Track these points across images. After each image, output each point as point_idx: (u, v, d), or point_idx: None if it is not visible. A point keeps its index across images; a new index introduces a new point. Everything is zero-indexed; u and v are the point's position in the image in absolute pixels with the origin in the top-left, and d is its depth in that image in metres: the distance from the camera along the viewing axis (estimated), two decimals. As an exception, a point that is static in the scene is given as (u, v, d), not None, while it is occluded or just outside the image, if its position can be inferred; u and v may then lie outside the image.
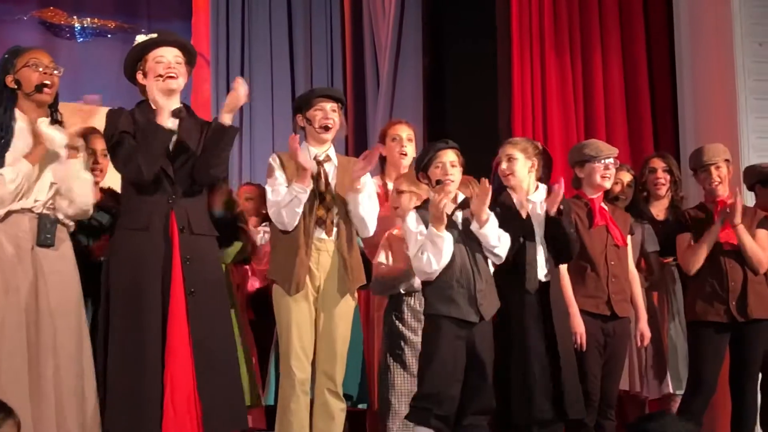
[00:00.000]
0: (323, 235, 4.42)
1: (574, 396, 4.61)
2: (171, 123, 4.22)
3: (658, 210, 5.70)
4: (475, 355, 4.38)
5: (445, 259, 4.34)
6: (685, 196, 5.84)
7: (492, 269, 4.53)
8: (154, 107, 4.21)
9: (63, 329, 4.00)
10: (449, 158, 4.45)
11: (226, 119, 4.21)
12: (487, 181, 4.41)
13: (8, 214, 3.98)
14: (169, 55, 4.27)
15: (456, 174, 4.46)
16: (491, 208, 4.46)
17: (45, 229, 4.02)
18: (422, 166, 4.50)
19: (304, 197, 4.34)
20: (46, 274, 4.00)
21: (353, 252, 4.49)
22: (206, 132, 4.26)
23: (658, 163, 5.74)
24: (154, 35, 4.33)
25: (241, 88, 4.23)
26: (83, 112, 7.30)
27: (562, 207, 4.61)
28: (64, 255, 4.10)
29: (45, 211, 4.04)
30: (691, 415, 5.04)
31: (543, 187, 4.76)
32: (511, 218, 4.61)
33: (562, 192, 4.57)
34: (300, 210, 4.35)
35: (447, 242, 4.33)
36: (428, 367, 4.38)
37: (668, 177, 5.70)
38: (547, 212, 4.60)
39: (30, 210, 4.02)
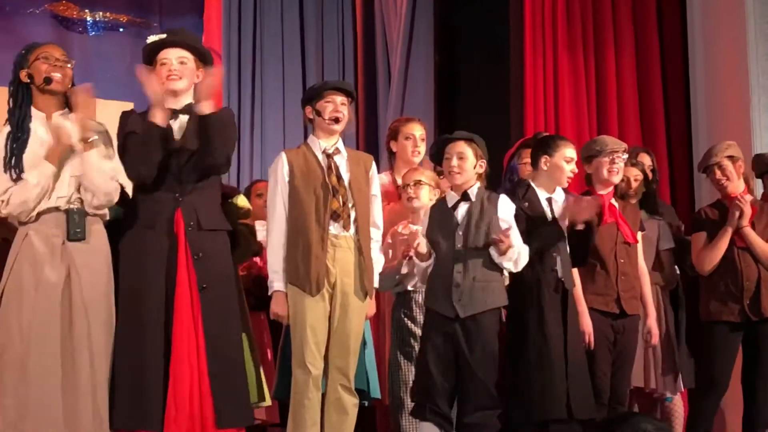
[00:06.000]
0: (341, 231, 4.39)
1: (584, 396, 4.56)
2: (178, 122, 4.22)
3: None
4: (461, 352, 4.34)
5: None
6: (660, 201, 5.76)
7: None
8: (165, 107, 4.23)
9: (95, 323, 4.03)
10: (456, 150, 4.48)
11: (204, 108, 4.17)
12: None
13: (38, 215, 4.02)
14: (173, 56, 4.26)
15: (463, 165, 4.46)
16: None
17: (74, 224, 4.04)
18: (436, 158, 4.59)
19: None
20: (79, 268, 4.02)
21: (368, 249, 4.46)
22: None
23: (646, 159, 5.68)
24: (163, 36, 4.31)
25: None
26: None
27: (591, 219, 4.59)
28: (96, 248, 4.11)
29: (71, 206, 4.06)
30: (702, 415, 5.03)
31: (559, 189, 4.72)
32: (541, 220, 4.57)
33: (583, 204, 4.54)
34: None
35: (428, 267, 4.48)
36: (420, 359, 4.46)
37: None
38: (572, 225, 4.54)
39: (56, 208, 4.05)
